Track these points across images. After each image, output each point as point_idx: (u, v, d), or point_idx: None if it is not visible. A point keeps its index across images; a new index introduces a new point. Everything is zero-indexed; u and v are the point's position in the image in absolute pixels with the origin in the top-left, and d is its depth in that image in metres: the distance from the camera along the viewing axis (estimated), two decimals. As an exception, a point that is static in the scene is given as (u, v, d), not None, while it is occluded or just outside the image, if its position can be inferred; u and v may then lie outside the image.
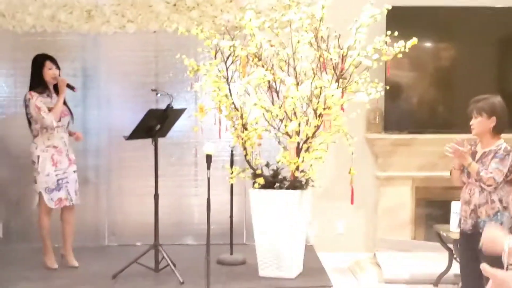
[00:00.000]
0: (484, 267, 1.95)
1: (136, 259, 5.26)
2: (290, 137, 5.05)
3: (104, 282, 5.14)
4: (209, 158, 4.67)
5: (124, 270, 5.22)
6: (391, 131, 6.62)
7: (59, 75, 5.48)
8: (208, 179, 4.70)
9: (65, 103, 5.51)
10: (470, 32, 6.60)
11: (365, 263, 6.35)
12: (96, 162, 6.36)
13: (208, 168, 4.66)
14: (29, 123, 5.47)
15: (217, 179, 6.02)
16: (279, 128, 5.13)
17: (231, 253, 5.82)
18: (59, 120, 5.43)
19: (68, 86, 5.43)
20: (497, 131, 4.22)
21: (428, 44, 6.66)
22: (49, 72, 5.42)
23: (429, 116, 6.73)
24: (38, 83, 5.45)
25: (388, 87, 5.18)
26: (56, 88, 5.48)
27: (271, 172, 5.30)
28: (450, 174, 4.45)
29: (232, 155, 5.70)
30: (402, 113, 6.68)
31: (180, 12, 6.25)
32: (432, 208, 6.82)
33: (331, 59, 4.95)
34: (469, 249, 4.31)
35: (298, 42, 4.93)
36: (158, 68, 6.42)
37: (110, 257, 5.99)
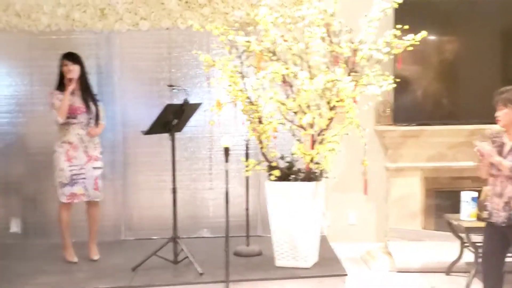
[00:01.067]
0: None
1: (155, 252, 5.37)
2: (305, 130, 5.16)
3: (124, 275, 5.24)
4: (226, 150, 4.79)
5: (143, 262, 5.33)
6: (400, 123, 6.74)
7: (80, 71, 5.56)
8: (226, 171, 4.81)
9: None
10: (476, 24, 6.71)
11: (377, 252, 6.48)
12: (111, 158, 6.45)
13: (226, 160, 4.78)
14: None
15: (231, 172, 6.14)
16: (293, 121, 5.24)
17: (248, 245, 5.93)
18: (74, 117, 5.53)
19: (70, 80, 5.51)
20: None
21: (435, 38, 6.77)
22: (64, 69, 5.54)
23: (437, 107, 6.84)
24: (59, 81, 5.58)
25: (398, 80, 5.28)
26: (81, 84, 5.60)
27: (286, 164, 5.42)
28: (477, 167, 4.47)
29: (247, 148, 5.81)
30: (411, 105, 6.80)
31: (192, 9, 6.37)
32: (441, 198, 6.93)
33: (343, 53, 5.06)
34: (498, 239, 4.36)
35: (311, 37, 5.03)
36: (171, 64, 6.52)
37: (128, 251, 6.09)
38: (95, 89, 6.01)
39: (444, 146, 6.76)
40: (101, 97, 6.10)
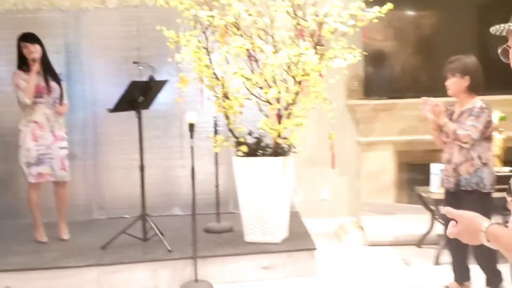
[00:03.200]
0: (448, 209, 1.95)
1: (124, 230, 5.36)
2: (271, 104, 5.14)
3: (94, 253, 5.23)
4: (191, 127, 4.77)
5: (112, 240, 5.32)
6: (371, 97, 6.73)
7: (41, 50, 5.50)
8: (192, 148, 4.79)
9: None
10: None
11: (349, 226, 6.51)
12: (82, 137, 6.43)
13: (191, 137, 4.76)
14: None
15: (202, 150, 6.14)
16: (260, 96, 5.22)
17: (218, 221, 5.93)
18: (41, 97, 5.48)
19: (33, 61, 5.44)
20: (471, 90, 4.30)
21: (406, 10, 6.74)
22: (25, 51, 5.47)
23: (409, 81, 6.83)
24: (21, 62, 5.51)
25: (366, 53, 5.27)
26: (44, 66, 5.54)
27: (254, 140, 5.41)
28: (433, 136, 4.54)
29: (215, 124, 5.78)
30: (381, 79, 6.79)
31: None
32: (413, 171, 6.95)
33: (308, 26, 5.03)
34: (453, 206, 4.43)
35: (276, 11, 5.00)
36: (140, 42, 6.46)
37: (99, 230, 6.07)
38: (63, 68, 5.96)
39: (416, 119, 6.75)
40: (69, 76, 6.06)
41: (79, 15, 6.40)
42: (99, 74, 6.49)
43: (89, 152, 6.49)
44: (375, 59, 6.53)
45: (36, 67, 5.42)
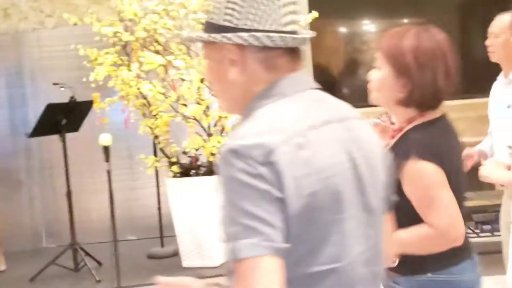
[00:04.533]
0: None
1: (53, 260, 5.15)
2: (198, 121, 4.85)
3: (22, 285, 5.00)
4: (106, 149, 4.51)
5: (41, 272, 5.08)
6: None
7: None
8: (108, 172, 4.54)
9: None
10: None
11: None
12: (27, 163, 6.19)
13: (106, 160, 4.50)
14: None
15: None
16: (183, 114, 4.92)
17: (162, 246, 5.63)
18: None
19: None
20: None
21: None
22: None
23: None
24: None
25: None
26: None
27: (189, 159, 5.12)
28: None
29: (154, 144, 5.47)
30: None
31: (99, 2, 6.06)
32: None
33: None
34: None
35: (195, 24, 4.72)
36: (80, 62, 6.20)
37: (45, 259, 5.80)
38: (5, 91, 5.79)
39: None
40: (11, 99, 5.89)
41: (18, 37, 6.23)
42: (41, 96, 6.21)
43: (35, 178, 6.24)
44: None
45: None
